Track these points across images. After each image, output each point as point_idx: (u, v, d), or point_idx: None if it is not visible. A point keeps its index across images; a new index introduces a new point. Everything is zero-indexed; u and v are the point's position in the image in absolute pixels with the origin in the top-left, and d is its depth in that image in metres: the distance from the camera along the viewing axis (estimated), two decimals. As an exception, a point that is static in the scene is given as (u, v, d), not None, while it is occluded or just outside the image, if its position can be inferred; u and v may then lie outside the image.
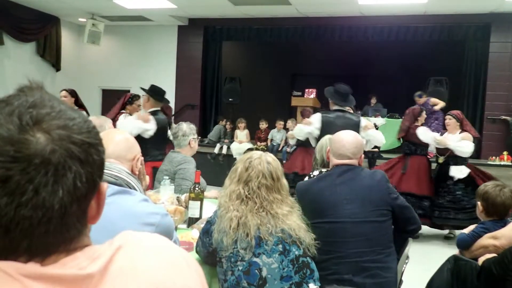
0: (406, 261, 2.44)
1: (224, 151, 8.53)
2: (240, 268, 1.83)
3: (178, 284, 0.65)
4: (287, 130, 7.98)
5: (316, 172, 2.78)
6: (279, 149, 8.09)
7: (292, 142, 7.36)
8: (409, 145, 5.65)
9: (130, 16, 9.79)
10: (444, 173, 5.41)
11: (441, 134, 5.68)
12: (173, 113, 8.26)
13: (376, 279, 2.10)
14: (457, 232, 5.35)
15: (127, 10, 9.10)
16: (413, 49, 9.94)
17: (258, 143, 8.46)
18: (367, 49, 10.39)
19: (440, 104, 7.80)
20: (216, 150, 8.54)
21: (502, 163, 7.25)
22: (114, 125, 4.37)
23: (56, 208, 0.56)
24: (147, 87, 4.71)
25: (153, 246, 0.68)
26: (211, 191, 3.27)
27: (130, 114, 5.18)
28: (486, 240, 2.37)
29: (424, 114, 5.74)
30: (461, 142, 5.23)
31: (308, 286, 1.86)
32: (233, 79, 9.74)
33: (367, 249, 2.13)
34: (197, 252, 2.08)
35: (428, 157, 5.72)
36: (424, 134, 5.49)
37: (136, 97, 5.57)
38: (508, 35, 8.34)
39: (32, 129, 0.55)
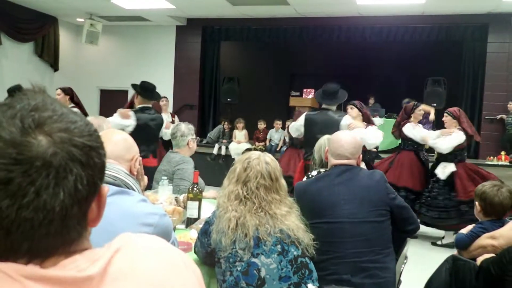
0: (405, 261, 2.45)
1: (223, 151, 8.52)
2: (239, 268, 1.83)
3: (176, 285, 0.66)
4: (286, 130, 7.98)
5: (314, 172, 2.78)
6: (278, 149, 8.08)
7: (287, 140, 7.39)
8: (403, 141, 5.71)
9: (128, 16, 9.77)
10: (433, 169, 5.44)
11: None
12: (172, 112, 8.22)
13: (375, 279, 2.10)
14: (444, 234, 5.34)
15: (125, 10, 9.08)
16: (411, 49, 9.94)
17: (257, 143, 8.43)
18: (365, 50, 10.39)
19: (432, 112, 7.77)
20: (215, 151, 8.52)
21: (500, 163, 7.25)
22: None
23: (57, 210, 0.56)
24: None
25: (151, 248, 0.69)
26: (209, 191, 3.28)
27: None
28: (484, 240, 2.37)
29: (418, 111, 5.66)
30: (438, 139, 5.22)
31: (306, 287, 1.86)
32: (232, 79, 9.72)
33: (366, 249, 2.13)
34: (195, 252, 2.08)
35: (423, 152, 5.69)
36: (409, 130, 5.50)
37: None
38: (505, 35, 8.34)
39: (34, 132, 0.56)
